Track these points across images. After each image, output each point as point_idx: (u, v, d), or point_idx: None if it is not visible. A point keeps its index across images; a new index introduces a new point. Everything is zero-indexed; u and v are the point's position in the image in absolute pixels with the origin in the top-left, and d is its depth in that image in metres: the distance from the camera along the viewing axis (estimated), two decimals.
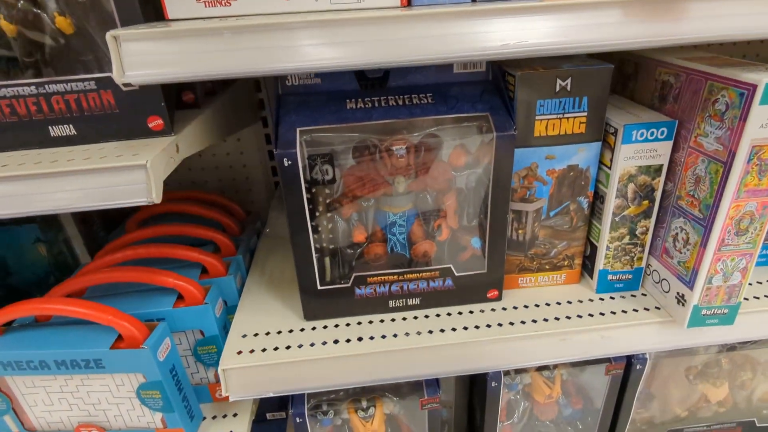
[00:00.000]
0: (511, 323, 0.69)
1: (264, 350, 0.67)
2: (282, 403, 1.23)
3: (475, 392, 0.87)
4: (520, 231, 0.72)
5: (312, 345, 0.68)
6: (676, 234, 0.66)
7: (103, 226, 0.96)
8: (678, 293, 0.66)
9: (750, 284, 0.74)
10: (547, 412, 0.87)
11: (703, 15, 0.50)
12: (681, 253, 0.65)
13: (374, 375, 0.68)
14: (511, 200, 0.69)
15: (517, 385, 0.83)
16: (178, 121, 0.65)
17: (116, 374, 0.68)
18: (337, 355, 0.66)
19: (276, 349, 0.67)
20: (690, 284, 0.64)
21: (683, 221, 0.64)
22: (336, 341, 0.68)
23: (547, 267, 0.75)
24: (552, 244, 0.73)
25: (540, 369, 0.82)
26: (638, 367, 0.80)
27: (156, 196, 0.52)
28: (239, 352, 0.67)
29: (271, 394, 0.67)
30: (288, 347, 0.67)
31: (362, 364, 0.67)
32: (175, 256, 0.78)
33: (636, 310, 0.70)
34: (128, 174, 0.52)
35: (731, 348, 0.84)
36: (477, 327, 0.69)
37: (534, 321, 0.69)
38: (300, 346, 0.67)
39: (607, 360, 0.80)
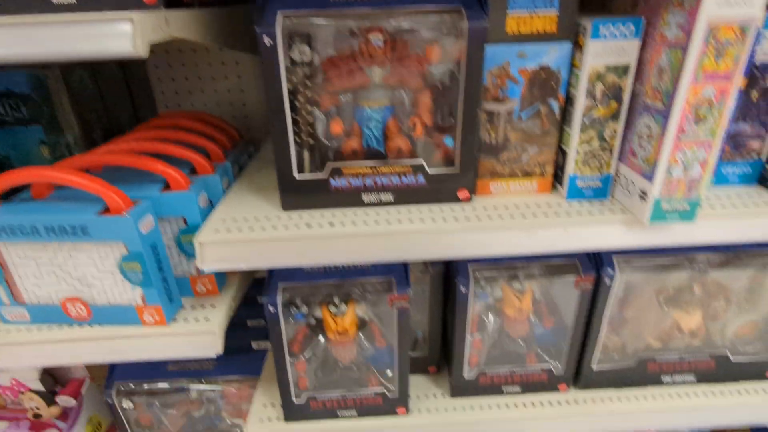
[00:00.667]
0: (479, 218, 0.72)
1: (240, 230, 0.71)
2: (266, 333, 1.26)
3: (448, 305, 0.89)
4: (492, 132, 0.74)
5: (286, 227, 0.71)
6: (641, 132, 0.68)
7: (104, 137, 1.01)
8: (641, 190, 0.68)
9: (717, 197, 0.76)
10: (517, 328, 0.89)
11: None
12: (644, 149, 0.67)
13: (346, 257, 0.71)
14: (484, 100, 0.72)
15: (487, 295, 0.85)
16: (172, 8, 0.70)
17: (101, 245, 0.72)
18: (310, 236, 0.69)
19: (252, 230, 0.71)
20: (651, 178, 0.66)
21: (648, 118, 0.66)
22: (310, 225, 0.71)
23: (518, 173, 0.77)
24: (524, 149, 0.75)
25: (510, 280, 0.84)
26: (607, 281, 0.82)
27: (142, 50, 0.56)
28: (217, 231, 0.71)
29: (243, 267, 0.70)
30: (264, 229, 0.71)
31: (335, 246, 0.70)
32: (165, 152, 0.82)
33: (602, 213, 0.72)
34: (117, 26, 0.56)
35: (702, 271, 0.85)
36: (445, 220, 0.72)
37: (501, 217, 0.72)
38: (275, 228, 0.71)
39: (576, 271, 0.81)
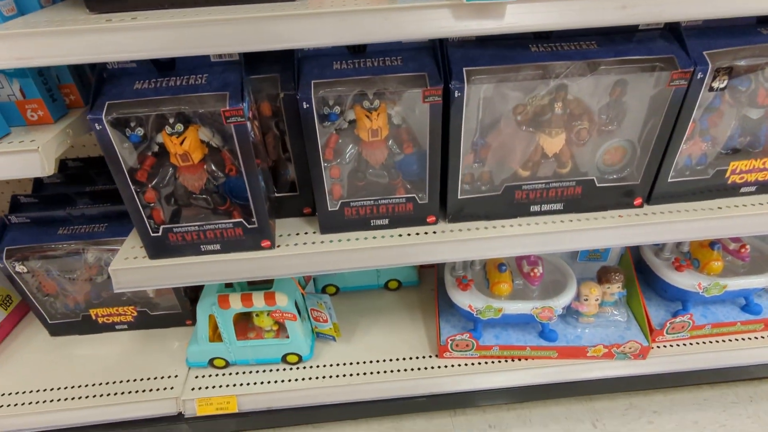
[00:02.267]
0: (297, 9, 0.66)
1: (37, 27, 0.65)
2: None
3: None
4: None
5: (86, 22, 0.65)
6: None
7: None
8: None
9: None
10: (376, 154, 0.86)
11: None
12: None
13: (155, 51, 0.66)
14: None
15: (335, 115, 0.81)
16: None
17: None
18: (111, 28, 0.64)
19: (50, 26, 0.65)
20: None
21: None
22: (111, 20, 0.65)
23: None
24: None
25: (360, 100, 0.80)
26: (457, 94, 0.78)
27: None
28: (8, 28, 0.65)
29: (42, 63, 0.65)
30: (60, 25, 0.65)
31: (139, 36, 0.65)
32: None
33: (427, 1, 0.67)
34: None
35: (561, 87, 0.82)
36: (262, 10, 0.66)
37: (322, 6, 0.66)
38: (75, 23, 0.65)
39: (423, 83, 0.77)
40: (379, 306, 1.33)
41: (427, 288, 1.38)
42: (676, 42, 0.81)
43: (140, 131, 0.78)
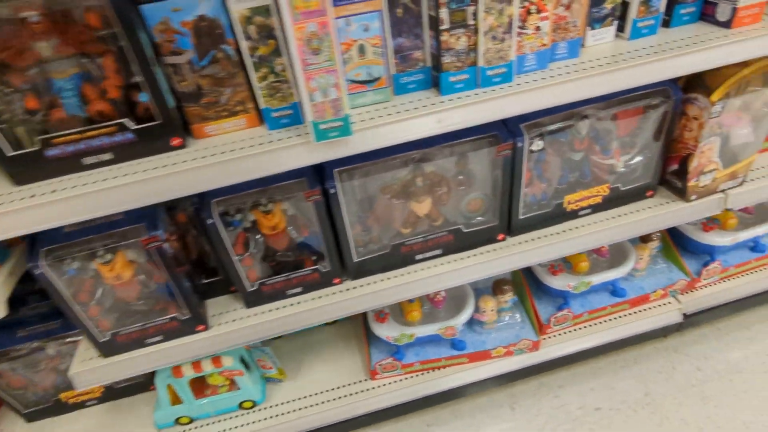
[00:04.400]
0: (186, 162, 0.83)
1: None
2: None
3: None
4: (183, 83, 0.83)
5: (12, 202, 0.80)
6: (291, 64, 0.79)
7: None
8: (305, 116, 0.81)
9: (394, 105, 0.90)
10: (278, 242, 1.05)
11: None
12: (296, 80, 0.79)
13: (72, 216, 0.82)
14: (163, 55, 0.80)
15: (239, 221, 0.99)
16: None
17: None
18: (32, 205, 0.79)
19: None
20: (303, 105, 0.78)
21: (286, 55, 0.77)
22: (34, 195, 0.80)
23: (224, 114, 0.88)
24: (219, 92, 0.85)
25: (256, 206, 0.98)
26: (332, 191, 0.97)
27: None
28: None
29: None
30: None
31: (59, 209, 0.80)
32: None
33: (290, 139, 0.85)
34: None
35: (417, 167, 1.02)
36: (167, 165, 0.83)
37: (204, 158, 0.83)
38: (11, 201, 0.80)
39: (303, 188, 0.96)
40: (320, 340, 1.53)
41: (359, 318, 1.59)
42: (499, 120, 1.03)
43: (75, 265, 0.93)
